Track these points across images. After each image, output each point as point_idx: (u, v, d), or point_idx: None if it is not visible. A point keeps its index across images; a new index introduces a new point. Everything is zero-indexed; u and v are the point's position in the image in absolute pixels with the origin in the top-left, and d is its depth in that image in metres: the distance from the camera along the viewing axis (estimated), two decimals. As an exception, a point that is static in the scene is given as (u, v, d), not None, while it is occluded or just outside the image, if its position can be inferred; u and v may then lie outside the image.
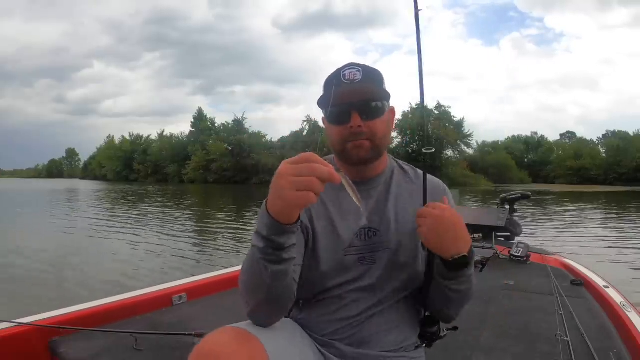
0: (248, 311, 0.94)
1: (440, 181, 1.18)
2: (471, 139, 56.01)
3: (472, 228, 3.71)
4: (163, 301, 2.22)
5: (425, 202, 1.05)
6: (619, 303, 2.10)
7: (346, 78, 1.03)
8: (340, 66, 1.07)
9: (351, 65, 1.05)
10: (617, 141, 59.31)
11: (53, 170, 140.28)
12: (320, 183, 0.74)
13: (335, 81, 1.04)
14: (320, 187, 0.74)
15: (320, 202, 1.07)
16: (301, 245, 1.02)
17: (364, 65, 1.06)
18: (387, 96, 1.07)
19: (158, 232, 10.21)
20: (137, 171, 70.36)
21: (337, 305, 1.06)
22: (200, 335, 1.73)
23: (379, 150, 1.07)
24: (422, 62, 1.04)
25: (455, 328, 1.25)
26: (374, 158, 1.08)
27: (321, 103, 1.06)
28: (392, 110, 1.11)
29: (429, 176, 1.16)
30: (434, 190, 1.12)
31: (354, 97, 1.01)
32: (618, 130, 64.51)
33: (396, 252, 1.07)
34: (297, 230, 0.83)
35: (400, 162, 1.20)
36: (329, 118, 1.07)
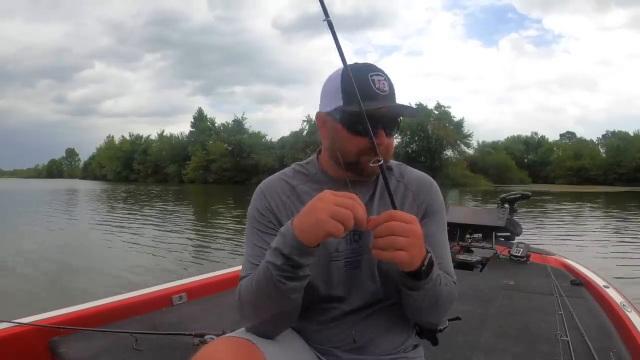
0: (249, 326, 0.92)
1: (426, 174, 1.10)
2: (471, 139, 56.16)
3: (472, 228, 3.72)
4: (163, 301, 2.22)
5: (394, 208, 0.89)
6: (619, 303, 2.10)
7: (376, 86, 0.93)
8: (354, 62, 0.97)
9: (377, 71, 0.95)
10: (617, 141, 59.33)
11: (53, 170, 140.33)
12: (352, 218, 0.76)
13: (363, 87, 0.91)
14: (351, 226, 0.76)
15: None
16: None
17: (385, 72, 0.97)
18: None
19: (158, 232, 10.21)
20: (137, 171, 70.41)
21: (331, 313, 1.03)
22: (201, 336, 1.73)
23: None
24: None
25: (457, 318, 1.20)
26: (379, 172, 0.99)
27: (347, 113, 0.95)
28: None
29: (411, 169, 1.11)
30: (420, 185, 1.07)
31: (386, 114, 0.94)
32: (618, 131, 64.61)
33: None
34: (316, 254, 0.84)
35: None
36: (347, 124, 0.96)
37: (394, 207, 0.89)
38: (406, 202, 1.05)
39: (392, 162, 1.11)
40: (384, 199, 1.04)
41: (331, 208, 0.76)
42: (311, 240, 0.80)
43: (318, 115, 1.04)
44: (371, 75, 0.94)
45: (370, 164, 0.94)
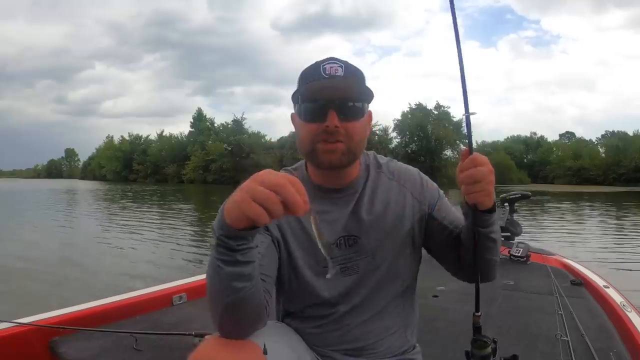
0: (216, 325, 0.85)
1: (410, 167, 1.11)
2: (470, 139, 56.03)
3: None
4: (163, 301, 2.22)
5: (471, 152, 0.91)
6: (619, 303, 2.10)
7: (326, 72, 0.93)
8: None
9: (332, 60, 0.96)
10: (617, 141, 59.41)
11: (52, 171, 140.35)
12: (278, 202, 0.64)
13: (313, 74, 0.95)
14: (277, 207, 0.64)
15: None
16: (272, 257, 0.96)
17: (346, 61, 0.97)
18: (369, 97, 0.98)
19: (158, 232, 10.21)
20: (137, 171, 70.41)
21: (328, 318, 1.03)
22: (201, 336, 1.73)
23: (354, 156, 0.97)
24: (464, 67, 0.94)
25: (514, 357, 1.06)
26: (348, 164, 0.98)
27: (295, 97, 0.97)
28: (370, 114, 1.03)
29: (399, 164, 1.11)
30: (413, 181, 1.07)
31: (333, 94, 0.92)
32: (618, 131, 64.71)
33: (378, 257, 1.01)
34: (251, 238, 0.74)
35: (373, 155, 1.11)
36: (301, 114, 0.96)
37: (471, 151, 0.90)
38: (406, 201, 1.05)
39: (381, 159, 1.11)
40: (376, 200, 1.04)
41: (255, 188, 0.65)
42: (235, 222, 0.69)
43: (292, 116, 1.03)
44: (324, 64, 0.95)
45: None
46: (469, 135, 0.97)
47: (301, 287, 1.02)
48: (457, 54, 0.95)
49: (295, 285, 1.02)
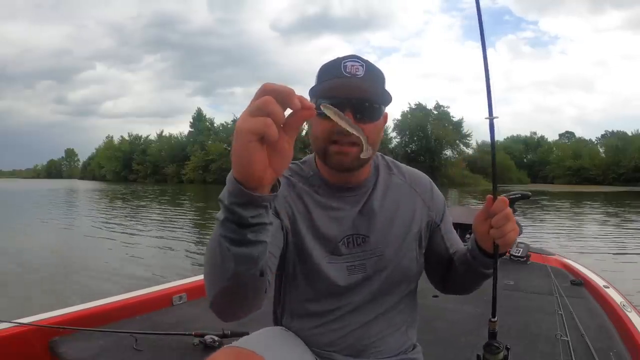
0: (210, 302, 0.79)
1: (426, 175, 1.12)
2: (470, 138, 56.17)
3: (472, 228, 3.71)
4: (163, 301, 2.22)
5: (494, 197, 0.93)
6: (619, 303, 2.10)
7: (347, 70, 0.92)
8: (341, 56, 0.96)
9: (354, 58, 0.94)
10: (616, 141, 59.50)
11: (52, 171, 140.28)
12: (274, 103, 0.59)
13: (333, 71, 0.93)
14: (276, 108, 0.59)
15: (304, 207, 1.00)
16: (279, 239, 0.95)
17: (367, 60, 0.95)
18: (387, 100, 0.97)
19: (158, 232, 10.20)
20: (136, 171, 70.44)
21: (330, 316, 1.02)
22: (201, 336, 1.74)
23: (366, 159, 0.96)
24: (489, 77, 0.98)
25: None
26: (359, 167, 0.97)
27: (313, 92, 0.95)
28: (386, 116, 1.01)
29: (410, 168, 1.12)
30: (424, 188, 1.09)
31: (352, 93, 0.91)
32: (617, 131, 64.80)
33: (388, 257, 1.01)
34: (267, 207, 0.66)
35: (381, 156, 1.11)
36: (317, 110, 0.99)
37: (495, 189, 0.94)
38: (416, 204, 1.06)
39: (388, 159, 1.11)
40: (387, 200, 1.04)
41: (248, 110, 0.61)
42: (247, 169, 0.61)
43: None
44: (345, 60, 0.93)
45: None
46: (494, 174, 1.03)
47: (307, 272, 1.00)
48: (483, 67, 1.01)
49: (300, 272, 1.01)
